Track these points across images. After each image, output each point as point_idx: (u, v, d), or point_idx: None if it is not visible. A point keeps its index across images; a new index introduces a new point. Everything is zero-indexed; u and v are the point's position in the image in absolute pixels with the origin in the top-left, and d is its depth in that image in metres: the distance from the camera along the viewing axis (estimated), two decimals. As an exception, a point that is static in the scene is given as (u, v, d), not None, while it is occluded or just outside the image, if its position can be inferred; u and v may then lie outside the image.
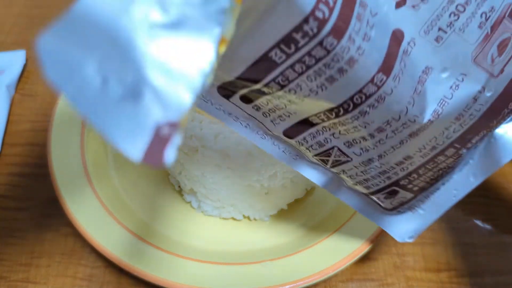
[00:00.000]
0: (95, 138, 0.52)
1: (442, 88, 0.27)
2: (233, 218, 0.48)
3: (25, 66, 0.62)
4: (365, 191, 0.34)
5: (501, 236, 0.48)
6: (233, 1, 0.18)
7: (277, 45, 0.23)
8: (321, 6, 0.21)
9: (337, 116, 0.27)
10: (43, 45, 0.16)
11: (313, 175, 0.34)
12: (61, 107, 0.51)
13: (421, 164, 0.31)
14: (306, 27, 0.22)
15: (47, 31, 0.16)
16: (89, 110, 0.16)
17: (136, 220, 0.47)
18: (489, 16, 0.25)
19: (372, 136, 0.28)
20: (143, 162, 0.16)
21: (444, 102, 0.27)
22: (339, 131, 0.29)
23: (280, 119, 0.29)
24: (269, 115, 0.29)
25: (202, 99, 0.30)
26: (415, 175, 0.31)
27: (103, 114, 0.16)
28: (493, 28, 0.26)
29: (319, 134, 0.29)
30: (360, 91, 0.25)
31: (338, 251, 0.42)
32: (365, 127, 0.28)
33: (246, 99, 0.28)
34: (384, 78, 0.25)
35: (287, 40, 0.22)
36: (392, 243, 0.47)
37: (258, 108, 0.29)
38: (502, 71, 0.27)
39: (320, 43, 0.22)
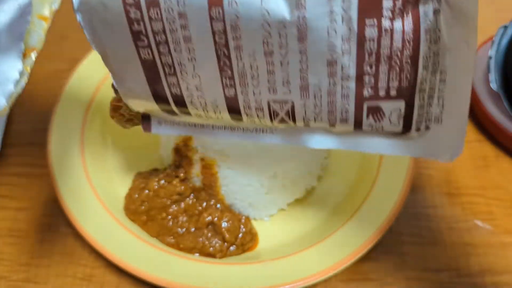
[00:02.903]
0: (95, 139, 0.52)
1: None
2: (233, 218, 0.48)
3: (25, 66, 0.62)
4: (349, 127, 0.31)
5: (501, 236, 0.48)
6: (35, 19, 0.26)
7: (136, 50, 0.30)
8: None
9: (228, 63, 0.29)
10: None
11: (292, 140, 0.34)
12: (61, 107, 0.51)
13: (358, 63, 0.27)
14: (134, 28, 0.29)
15: None
16: None
17: (136, 220, 0.47)
18: None
19: (271, 64, 0.29)
20: None
21: None
22: (252, 84, 0.30)
23: (221, 111, 0.33)
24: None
25: (171, 126, 0.36)
26: (367, 78, 0.28)
27: None
28: None
29: (250, 102, 0.31)
30: (211, 26, 0.28)
31: (338, 251, 0.42)
32: (255, 59, 0.29)
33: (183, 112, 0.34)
34: (219, 9, 0.27)
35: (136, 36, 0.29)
36: (392, 243, 0.47)
37: (199, 116, 0.34)
38: None
39: (150, 19, 0.28)
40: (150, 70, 0.31)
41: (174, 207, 0.46)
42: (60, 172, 0.47)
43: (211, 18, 0.27)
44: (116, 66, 0.32)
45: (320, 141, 0.33)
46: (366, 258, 0.46)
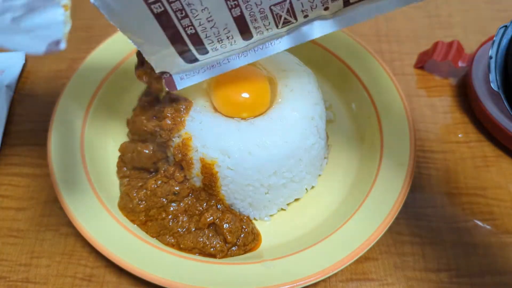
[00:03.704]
0: (95, 138, 0.52)
1: None
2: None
3: (24, 66, 0.62)
4: (340, 2, 0.36)
5: (501, 236, 0.48)
6: None
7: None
8: None
9: None
10: None
11: (304, 36, 0.38)
12: (61, 107, 0.51)
13: None
14: None
15: None
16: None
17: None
18: None
19: None
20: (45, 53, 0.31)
21: None
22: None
23: (233, 36, 0.38)
24: (222, 46, 0.39)
25: (191, 76, 0.41)
26: None
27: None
28: None
29: (252, 15, 0.36)
30: None
31: (338, 251, 0.42)
32: None
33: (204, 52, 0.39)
34: None
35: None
36: (392, 243, 0.47)
37: (216, 49, 0.39)
38: None
39: None
40: (164, 21, 0.35)
41: (175, 206, 0.46)
42: (60, 172, 0.47)
43: None
44: (134, 31, 0.36)
45: (320, 29, 0.38)
46: (366, 258, 0.46)
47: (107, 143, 0.53)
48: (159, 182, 0.46)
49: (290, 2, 0.35)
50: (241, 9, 0.35)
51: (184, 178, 0.46)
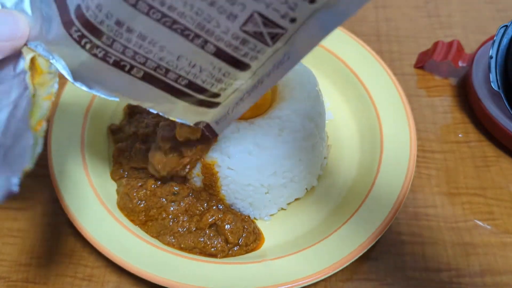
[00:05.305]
0: (95, 138, 0.52)
1: None
2: (233, 218, 0.48)
3: (25, 66, 0.62)
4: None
5: (501, 236, 0.48)
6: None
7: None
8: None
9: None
10: None
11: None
12: (61, 107, 0.51)
13: None
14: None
15: None
16: None
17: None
18: None
19: None
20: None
21: None
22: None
23: (228, 72, 0.33)
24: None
25: (228, 116, 0.37)
26: None
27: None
28: None
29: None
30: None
31: (338, 250, 0.42)
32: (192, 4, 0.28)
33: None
34: None
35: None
36: (392, 243, 0.47)
37: (224, 89, 0.35)
38: None
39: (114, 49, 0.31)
40: (154, 81, 0.33)
41: (175, 206, 0.46)
42: (60, 172, 0.47)
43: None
44: (135, 98, 0.34)
45: (330, 19, 0.29)
46: (366, 258, 0.46)
47: (107, 143, 0.53)
48: (159, 182, 0.46)
49: (260, 14, 0.28)
50: (212, 43, 0.30)
51: (184, 178, 0.46)
